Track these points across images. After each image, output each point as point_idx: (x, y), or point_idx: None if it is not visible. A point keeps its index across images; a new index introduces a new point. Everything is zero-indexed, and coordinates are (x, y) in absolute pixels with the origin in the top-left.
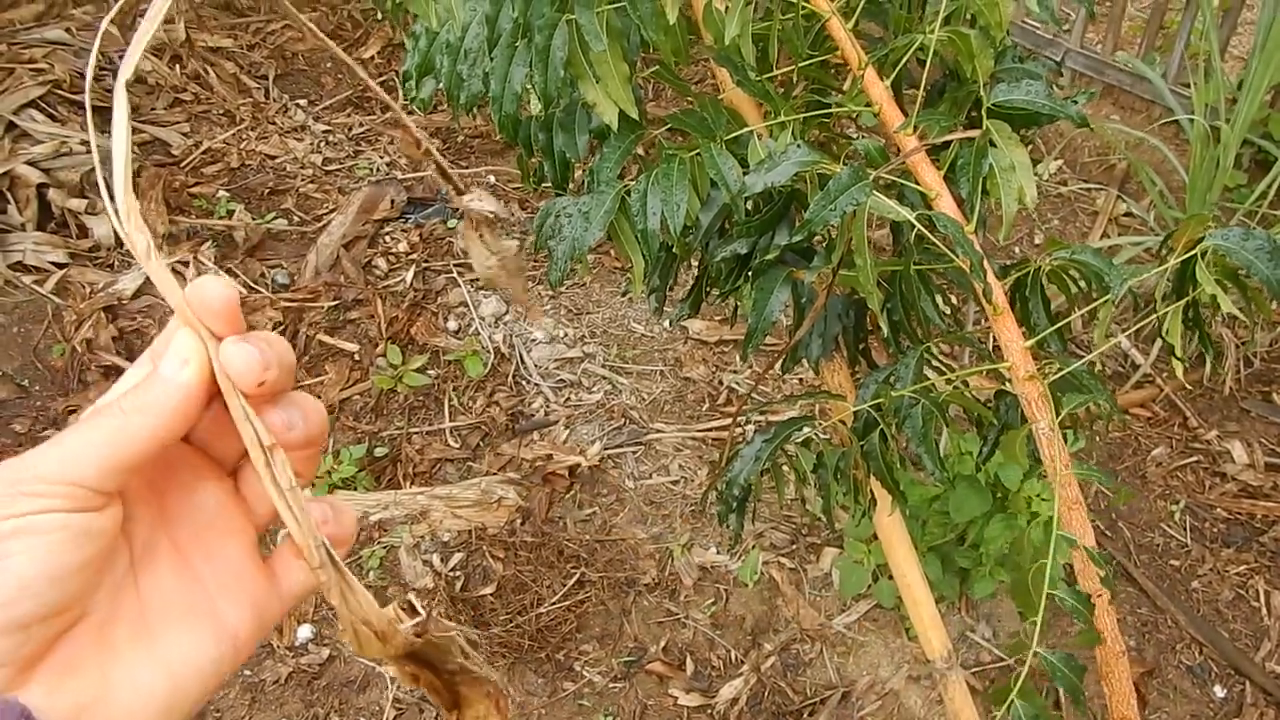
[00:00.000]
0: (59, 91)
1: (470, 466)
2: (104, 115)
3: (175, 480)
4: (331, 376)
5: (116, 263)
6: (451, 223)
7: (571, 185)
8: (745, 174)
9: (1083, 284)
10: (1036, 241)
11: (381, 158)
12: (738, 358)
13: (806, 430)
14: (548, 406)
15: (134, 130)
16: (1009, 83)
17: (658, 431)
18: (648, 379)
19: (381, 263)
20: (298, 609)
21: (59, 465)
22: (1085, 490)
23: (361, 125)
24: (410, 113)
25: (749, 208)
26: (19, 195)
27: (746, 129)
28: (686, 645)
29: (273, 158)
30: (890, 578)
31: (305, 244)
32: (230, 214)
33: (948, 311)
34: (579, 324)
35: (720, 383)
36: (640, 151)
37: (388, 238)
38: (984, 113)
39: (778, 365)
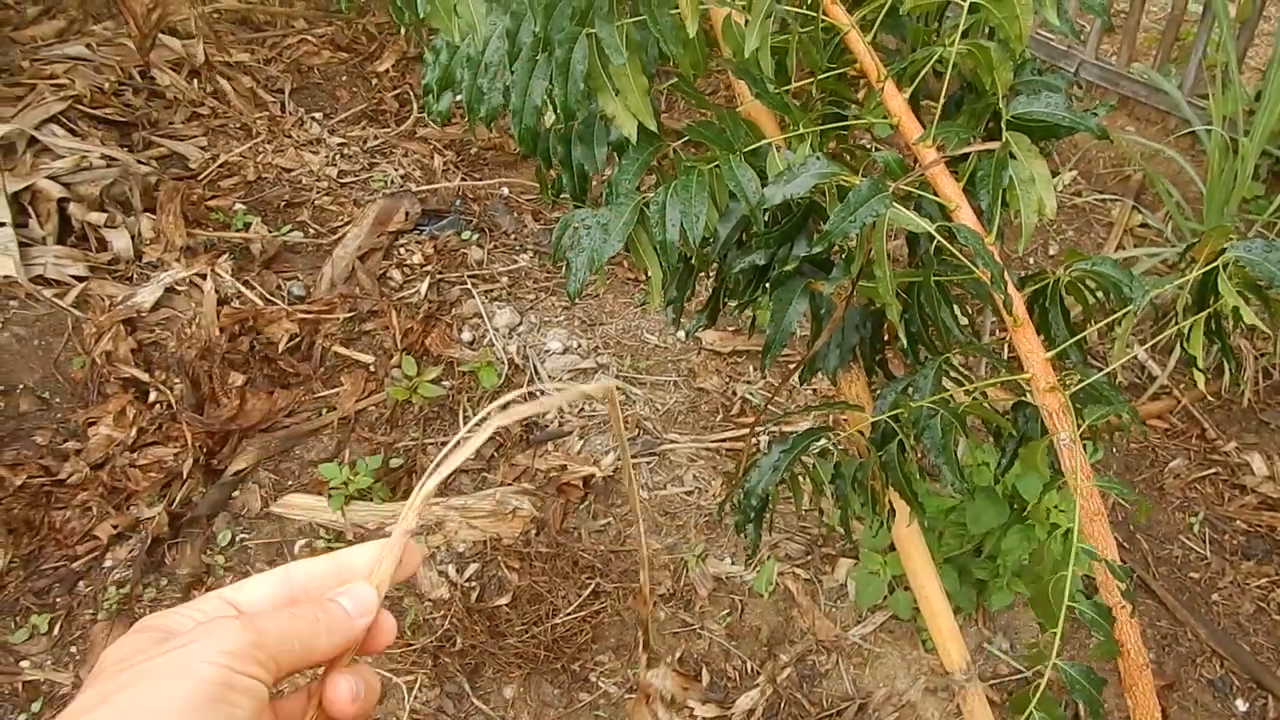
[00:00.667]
0: (80, 106)
1: (485, 477)
2: (123, 129)
3: None
4: (347, 388)
5: (135, 276)
6: (466, 234)
7: (589, 197)
8: (764, 186)
9: (1100, 295)
10: (1051, 253)
11: (396, 170)
12: (752, 368)
13: (824, 441)
14: (562, 417)
15: (151, 144)
16: (1028, 95)
17: (671, 442)
18: (661, 390)
19: (396, 274)
20: None
21: (277, 641)
22: (1103, 502)
23: (376, 138)
24: (426, 125)
25: (767, 219)
26: (40, 209)
27: (765, 141)
28: (702, 656)
29: (289, 171)
30: (906, 589)
31: (321, 256)
32: (247, 226)
33: (965, 322)
34: (593, 335)
35: (734, 393)
36: (654, 163)
37: (402, 250)
38: (1003, 125)
39: (795, 376)
